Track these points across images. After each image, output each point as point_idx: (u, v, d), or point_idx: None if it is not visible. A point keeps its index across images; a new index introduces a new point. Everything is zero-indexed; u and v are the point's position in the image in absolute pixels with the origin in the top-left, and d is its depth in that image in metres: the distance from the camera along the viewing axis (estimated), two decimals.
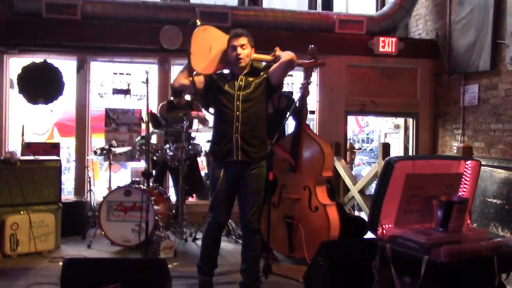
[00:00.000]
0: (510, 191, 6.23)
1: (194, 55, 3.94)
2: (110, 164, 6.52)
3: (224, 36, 4.05)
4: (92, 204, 6.90)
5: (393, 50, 8.10)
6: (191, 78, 3.99)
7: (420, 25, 8.91)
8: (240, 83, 3.99)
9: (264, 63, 4.14)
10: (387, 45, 8.06)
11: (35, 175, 5.66)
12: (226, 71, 4.16)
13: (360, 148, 12.62)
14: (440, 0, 8.31)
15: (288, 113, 4.99)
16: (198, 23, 4.02)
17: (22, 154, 6.13)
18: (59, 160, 5.99)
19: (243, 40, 3.96)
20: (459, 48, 7.66)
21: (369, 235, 3.19)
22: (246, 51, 3.97)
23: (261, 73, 4.05)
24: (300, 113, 5.14)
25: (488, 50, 6.99)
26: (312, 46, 4.96)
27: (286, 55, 3.93)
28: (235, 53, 3.95)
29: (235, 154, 3.93)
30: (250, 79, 4.01)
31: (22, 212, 5.47)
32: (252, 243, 4.05)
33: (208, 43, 4.01)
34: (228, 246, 5.82)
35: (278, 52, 4.05)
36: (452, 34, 7.93)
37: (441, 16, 8.30)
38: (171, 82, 4.40)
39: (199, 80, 4.03)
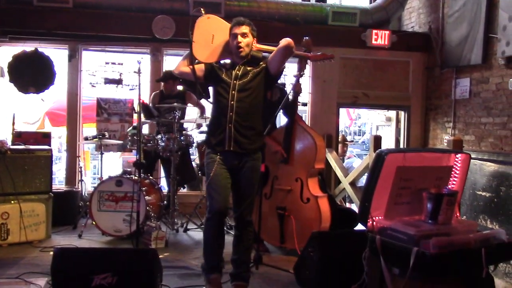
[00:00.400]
0: (499, 184, 6.28)
1: (196, 44, 3.88)
2: (102, 154, 6.49)
3: (227, 26, 3.99)
4: (83, 194, 6.89)
5: (386, 42, 8.11)
6: (191, 66, 3.91)
7: (413, 18, 8.91)
8: (238, 72, 3.94)
9: (264, 54, 4.05)
10: (380, 37, 8.06)
11: (26, 165, 5.64)
12: (228, 60, 4.10)
13: (352, 141, 12.65)
14: None
15: (280, 106, 4.97)
16: (202, 11, 3.99)
17: (13, 143, 6.09)
18: (50, 150, 5.97)
19: (244, 29, 3.89)
20: (452, 42, 7.68)
21: (360, 226, 3.20)
22: (246, 40, 3.90)
23: (261, 63, 3.98)
24: (292, 107, 5.15)
25: (480, 43, 7.00)
26: (307, 38, 4.95)
27: (283, 41, 3.85)
28: (236, 41, 3.88)
29: (227, 144, 3.87)
30: (249, 68, 3.95)
31: (12, 202, 5.46)
32: (245, 235, 4.02)
33: (211, 32, 3.95)
34: (227, 239, 5.82)
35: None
36: (444, 28, 7.94)
37: (434, 10, 8.31)
38: (172, 69, 4.35)
39: (200, 68, 3.97)
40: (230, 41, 3.94)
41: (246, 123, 3.89)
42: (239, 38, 3.87)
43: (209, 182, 3.92)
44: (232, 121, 3.85)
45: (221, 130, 3.90)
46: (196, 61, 3.93)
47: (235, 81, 3.90)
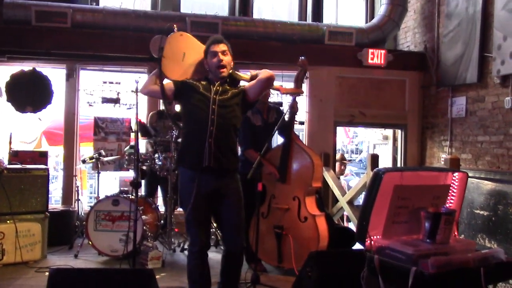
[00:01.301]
0: (497, 203, 6.27)
1: (166, 60, 3.78)
2: (98, 173, 6.47)
3: (200, 46, 3.91)
4: (79, 213, 6.84)
5: (382, 62, 8.16)
6: (160, 84, 3.73)
7: (409, 37, 8.99)
8: (217, 88, 3.74)
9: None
10: (376, 57, 8.12)
11: (23, 184, 5.62)
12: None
13: (350, 159, 12.64)
14: (428, 13, 8.41)
15: (276, 127, 4.95)
16: (175, 28, 3.96)
17: (10, 163, 6.08)
18: (47, 169, 5.96)
19: (223, 47, 3.76)
20: (447, 61, 7.73)
21: (358, 246, 3.19)
22: (227, 58, 3.76)
23: (238, 85, 3.87)
24: (289, 126, 5.15)
25: (475, 63, 7.06)
26: (303, 57, 4.98)
27: (264, 73, 3.78)
28: (216, 59, 3.72)
29: (206, 160, 3.58)
30: (227, 87, 3.79)
31: (8, 221, 5.42)
32: (236, 263, 3.84)
33: (183, 49, 3.87)
34: (217, 257, 5.79)
35: (254, 72, 3.88)
36: (440, 47, 8.01)
37: (429, 29, 8.39)
38: (139, 90, 4.19)
39: (169, 87, 3.76)
40: (209, 59, 3.78)
41: (226, 140, 3.69)
42: (220, 56, 3.73)
43: (187, 217, 3.68)
44: (213, 135, 3.61)
45: (198, 145, 3.63)
46: (164, 79, 3.79)
47: (215, 96, 3.69)
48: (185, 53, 3.87)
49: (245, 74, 3.95)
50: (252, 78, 3.87)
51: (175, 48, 3.85)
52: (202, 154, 3.59)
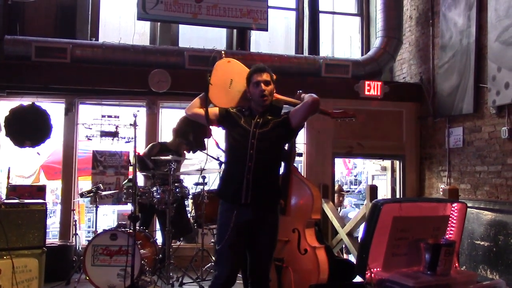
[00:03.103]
0: (497, 233, 6.25)
1: (213, 87, 3.73)
2: (97, 207, 6.44)
3: (248, 71, 3.83)
4: (77, 248, 6.78)
5: (379, 93, 8.23)
6: (205, 109, 3.68)
7: (405, 69, 9.08)
8: (258, 120, 3.67)
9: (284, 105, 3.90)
10: (372, 88, 8.19)
11: (20, 219, 5.55)
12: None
13: (348, 191, 12.60)
14: (423, 45, 8.53)
15: None
16: (223, 54, 3.95)
17: (7, 197, 6.04)
18: (45, 203, 5.88)
19: (266, 76, 3.69)
20: (443, 92, 7.79)
21: (358, 278, 3.16)
22: (270, 88, 3.69)
23: (281, 113, 3.76)
24: (289, 157, 5.13)
25: (471, 93, 7.12)
26: (300, 91, 4.98)
27: (309, 97, 3.69)
28: (259, 89, 3.65)
29: (244, 197, 3.53)
30: (269, 117, 3.69)
31: (5, 257, 5.35)
32: None
33: (230, 76, 3.82)
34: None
35: (302, 94, 3.82)
36: (435, 78, 8.09)
37: (424, 61, 8.48)
38: (185, 110, 4.05)
39: (213, 113, 3.71)
40: (251, 88, 3.71)
41: (265, 175, 3.62)
42: (263, 86, 3.65)
43: (220, 249, 3.61)
44: (251, 171, 3.54)
45: (237, 181, 3.58)
46: (211, 104, 3.75)
47: (255, 129, 3.62)
48: (233, 79, 3.82)
49: (290, 98, 3.90)
50: (297, 99, 3.83)
51: (223, 75, 3.82)
52: (241, 191, 3.55)
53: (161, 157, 6.33)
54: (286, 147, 5.08)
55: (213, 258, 5.42)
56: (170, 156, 6.03)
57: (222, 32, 8.88)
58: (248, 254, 3.68)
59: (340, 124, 8.24)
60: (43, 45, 7.26)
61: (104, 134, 7.52)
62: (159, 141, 6.86)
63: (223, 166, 4.17)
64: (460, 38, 7.42)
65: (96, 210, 6.44)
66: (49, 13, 7.95)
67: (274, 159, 3.71)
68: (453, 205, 3.36)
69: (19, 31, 7.59)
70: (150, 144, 6.90)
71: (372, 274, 2.96)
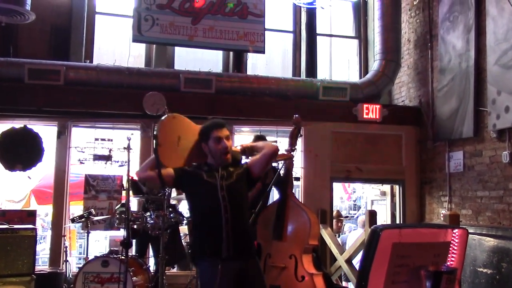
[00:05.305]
0: (500, 260, 6.15)
1: (162, 147, 3.54)
2: (88, 233, 6.31)
3: (195, 127, 3.77)
4: (67, 275, 6.62)
5: (377, 116, 8.17)
6: (157, 171, 3.53)
7: (403, 92, 9.05)
8: (222, 172, 3.65)
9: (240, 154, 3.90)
10: (371, 111, 8.13)
11: (9, 245, 5.51)
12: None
13: (347, 216, 12.47)
14: (422, 68, 8.50)
15: (271, 183, 4.88)
16: (166, 110, 3.81)
17: None
18: (35, 229, 5.88)
19: (226, 131, 3.68)
20: (442, 115, 7.75)
21: None
22: (231, 143, 3.70)
23: (240, 164, 3.82)
24: (285, 183, 5.05)
25: (471, 117, 7.08)
26: (296, 115, 4.99)
27: (268, 147, 3.75)
28: (222, 145, 3.61)
29: (226, 249, 3.52)
30: (231, 169, 3.71)
31: None
32: None
33: (177, 133, 3.68)
34: None
35: (245, 144, 3.89)
36: (435, 101, 8.05)
37: (423, 84, 8.45)
38: (135, 173, 3.97)
39: (168, 174, 3.61)
40: (211, 144, 3.64)
41: (241, 223, 3.65)
42: (226, 143, 3.64)
43: None
44: (229, 222, 3.54)
45: (215, 235, 3.55)
46: (163, 166, 3.59)
47: (221, 182, 3.61)
48: (180, 136, 3.68)
49: (235, 148, 3.87)
50: (244, 150, 3.87)
51: (169, 132, 3.66)
52: (221, 244, 3.53)
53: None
54: (281, 172, 5.00)
55: None
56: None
57: (218, 55, 8.87)
58: None
59: (337, 147, 8.24)
60: (36, 67, 7.20)
61: (97, 157, 7.44)
62: None
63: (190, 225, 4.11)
64: (459, 61, 7.40)
65: (88, 235, 6.33)
66: (43, 35, 7.93)
67: (245, 207, 3.77)
68: (454, 231, 3.31)
69: (12, 53, 7.56)
70: None
71: None
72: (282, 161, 5.04)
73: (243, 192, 3.74)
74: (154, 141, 3.56)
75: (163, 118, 3.70)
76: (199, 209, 3.71)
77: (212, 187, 3.59)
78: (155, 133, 3.60)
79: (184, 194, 3.95)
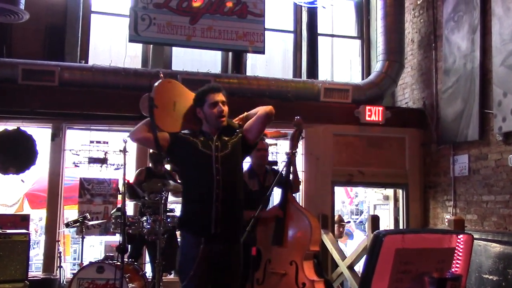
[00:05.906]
0: (506, 267, 6.11)
1: (158, 110, 3.50)
2: (83, 238, 6.21)
3: (190, 93, 3.70)
4: (61, 281, 6.53)
5: (380, 119, 8.07)
6: (153, 134, 3.47)
7: (407, 94, 8.97)
8: (217, 143, 3.54)
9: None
10: (373, 114, 8.04)
11: (1, 250, 5.55)
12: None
13: (349, 221, 12.38)
14: (426, 69, 8.41)
15: (272, 185, 4.75)
16: (161, 75, 3.73)
17: None
18: (28, 234, 5.90)
19: (223, 96, 3.56)
20: (447, 117, 7.66)
21: None
22: (227, 108, 3.57)
23: (236, 132, 3.66)
24: (285, 183, 4.97)
25: (476, 119, 6.99)
26: (298, 117, 4.89)
27: (262, 109, 3.62)
28: (217, 109, 3.50)
29: (214, 227, 3.38)
30: (226, 138, 3.59)
31: None
32: None
33: (172, 98, 3.63)
34: None
35: (246, 113, 3.77)
36: (439, 103, 7.97)
37: (427, 85, 8.36)
38: (129, 135, 3.89)
39: (163, 137, 3.51)
40: (206, 109, 3.55)
41: (233, 200, 3.51)
42: (221, 106, 3.53)
43: (186, 286, 3.42)
44: (220, 198, 3.41)
45: (204, 210, 3.43)
46: (158, 129, 3.53)
47: (216, 153, 3.50)
48: (176, 102, 3.63)
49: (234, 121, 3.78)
50: (246, 118, 3.73)
51: (165, 96, 3.61)
52: (209, 220, 3.41)
53: (151, 184, 6.12)
54: (283, 173, 4.86)
55: None
56: (159, 183, 5.79)
57: (217, 55, 8.81)
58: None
59: (339, 150, 8.12)
60: (30, 68, 7.10)
61: (92, 160, 7.39)
62: (147, 166, 6.67)
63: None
64: (464, 62, 7.31)
65: (82, 241, 6.22)
66: (37, 34, 7.84)
67: (239, 180, 3.63)
68: (459, 237, 3.22)
69: (5, 53, 7.47)
70: (137, 170, 6.72)
71: None
72: (283, 161, 4.93)
73: (238, 163, 3.64)
74: (149, 103, 3.47)
75: (158, 82, 3.61)
76: (192, 181, 3.59)
77: (207, 158, 3.49)
78: (151, 95, 3.50)
79: (176, 165, 3.89)
